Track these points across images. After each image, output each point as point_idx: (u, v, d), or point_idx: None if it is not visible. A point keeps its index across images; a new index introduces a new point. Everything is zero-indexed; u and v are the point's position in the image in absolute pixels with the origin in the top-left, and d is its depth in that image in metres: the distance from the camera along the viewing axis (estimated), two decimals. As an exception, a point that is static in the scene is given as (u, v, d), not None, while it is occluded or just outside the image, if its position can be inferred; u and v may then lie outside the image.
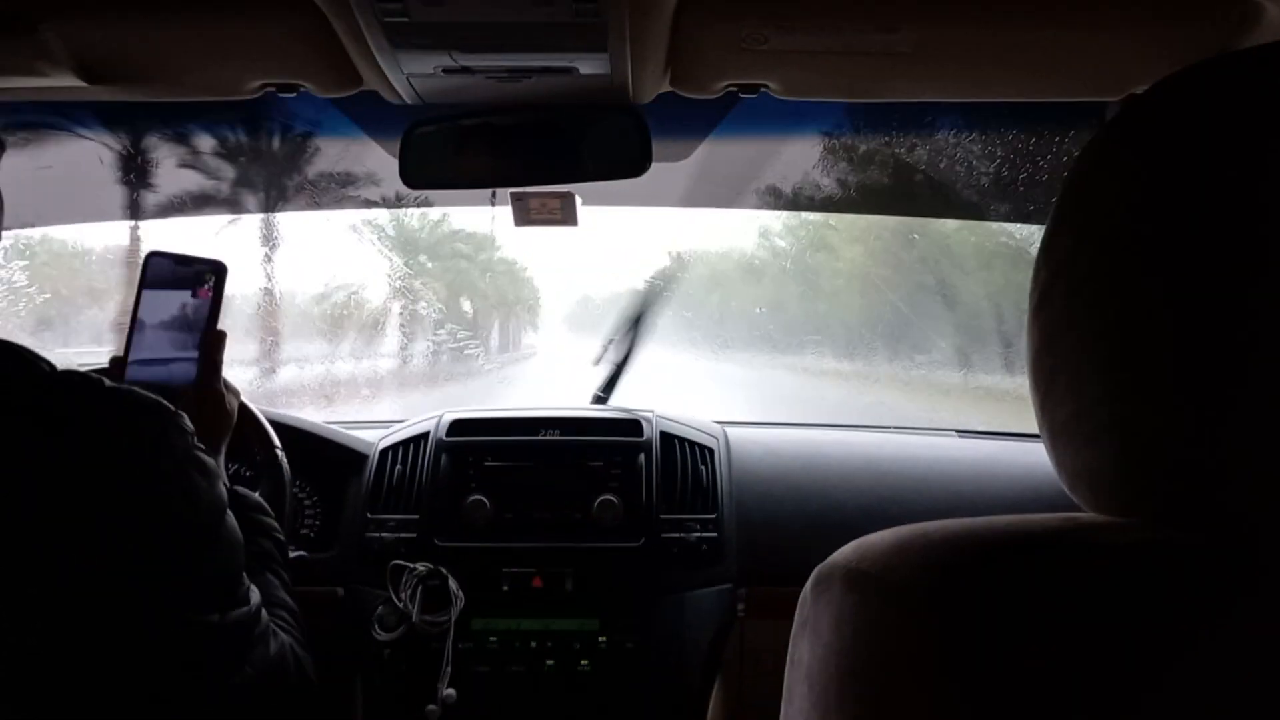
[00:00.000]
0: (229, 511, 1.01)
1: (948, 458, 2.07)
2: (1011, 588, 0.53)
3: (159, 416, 0.93)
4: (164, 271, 1.22)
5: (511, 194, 1.60)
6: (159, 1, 1.13)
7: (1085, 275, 0.57)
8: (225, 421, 1.27)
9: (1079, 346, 0.57)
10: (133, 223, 2.39)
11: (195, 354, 1.21)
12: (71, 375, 0.90)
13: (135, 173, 2.08)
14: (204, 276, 1.23)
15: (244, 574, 1.03)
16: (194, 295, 1.22)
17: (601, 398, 2.17)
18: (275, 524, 1.29)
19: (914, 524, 0.61)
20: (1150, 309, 0.53)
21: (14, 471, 0.83)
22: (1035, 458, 2.00)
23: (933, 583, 0.55)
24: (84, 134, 1.93)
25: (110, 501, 0.87)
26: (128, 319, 1.22)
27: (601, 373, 2.19)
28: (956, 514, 0.63)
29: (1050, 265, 0.60)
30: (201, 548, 0.95)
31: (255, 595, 1.04)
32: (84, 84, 1.25)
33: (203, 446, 0.98)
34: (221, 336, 1.24)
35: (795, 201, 2.29)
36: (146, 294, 1.21)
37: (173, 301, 1.22)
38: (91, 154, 2.00)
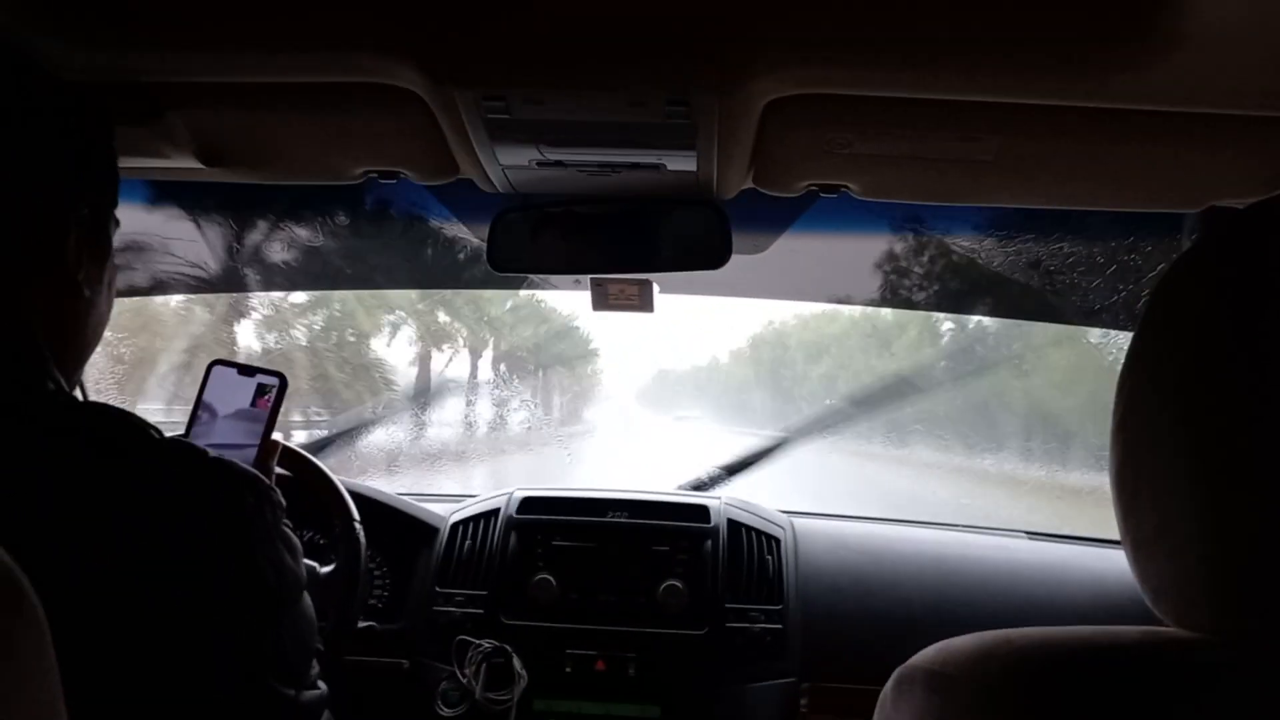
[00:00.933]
0: (306, 592, 1.04)
1: (1017, 559, 2.03)
2: (1098, 700, 0.54)
3: (256, 488, 0.96)
4: (225, 380, 1.25)
5: (591, 279, 1.65)
6: (278, 95, 1.20)
7: (1171, 390, 0.58)
8: None
9: (1164, 461, 0.58)
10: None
11: (250, 462, 1.20)
12: (179, 443, 0.94)
13: (233, 248, 2.18)
14: (264, 388, 1.25)
15: (314, 659, 1.05)
16: (253, 405, 1.24)
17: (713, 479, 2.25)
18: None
19: (997, 630, 0.62)
20: (1237, 426, 0.54)
21: (119, 531, 0.86)
22: (1106, 563, 1.96)
23: (1019, 689, 0.55)
24: (188, 210, 2.04)
25: (205, 564, 0.90)
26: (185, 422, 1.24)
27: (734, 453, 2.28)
28: (1026, 618, 0.63)
29: (1135, 377, 0.61)
30: (283, 620, 0.97)
31: (323, 686, 1.06)
32: (202, 166, 1.33)
33: (290, 523, 1.01)
34: (276, 446, 1.26)
35: (871, 297, 2.31)
36: (206, 401, 1.24)
37: (231, 410, 1.24)
38: (190, 229, 2.11)
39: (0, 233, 0.92)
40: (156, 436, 0.93)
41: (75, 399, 0.95)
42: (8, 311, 0.91)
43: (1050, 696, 0.55)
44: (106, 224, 1.04)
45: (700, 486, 2.29)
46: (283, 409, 1.26)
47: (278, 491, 1.00)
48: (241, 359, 1.29)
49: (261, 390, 1.25)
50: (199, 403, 1.25)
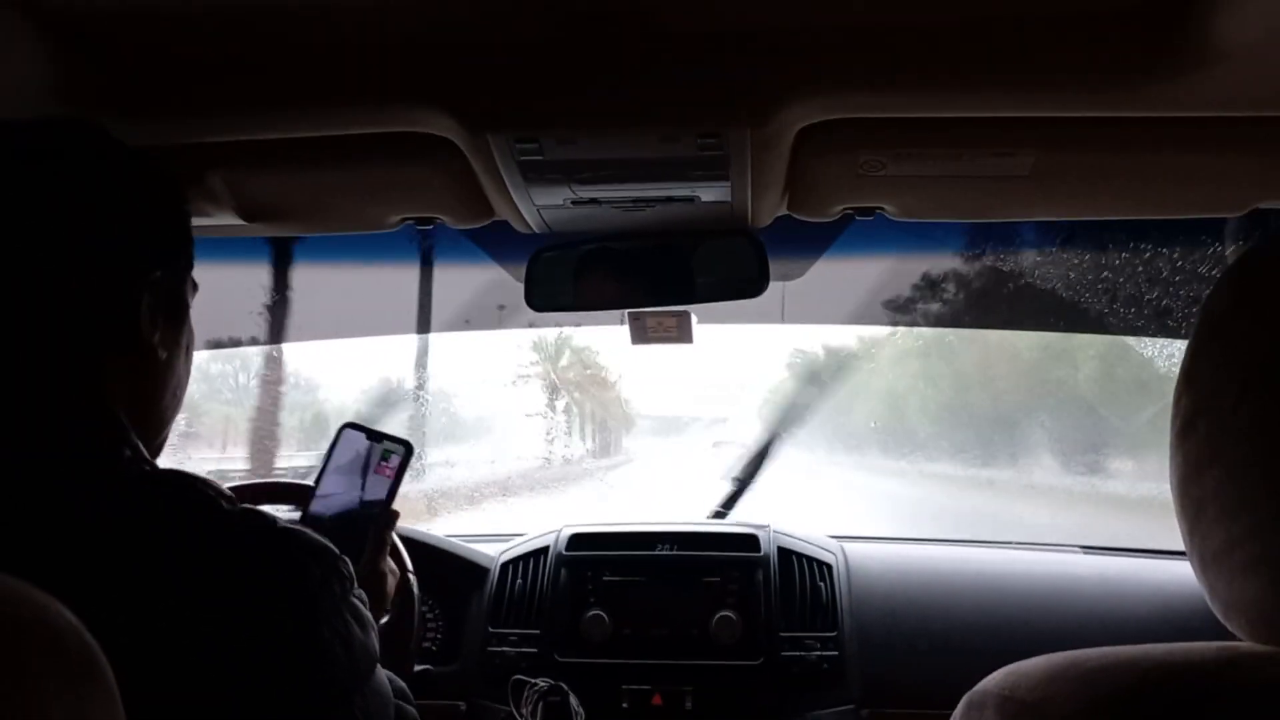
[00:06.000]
0: (380, 666, 1.00)
1: (1073, 574, 2.00)
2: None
3: (324, 559, 0.93)
4: (353, 443, 1.28)
5: (629, 313, 1.65)
6: (315, 149, 1.22)
7: (1230, 406, 0.57)
8: (380, 601, 1.28)
9: (1226, 477, 0.57)
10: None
11: (369, 529, 1.25)
12: (248, 513, 0.92)
13: (278, 298, 2.22)
14: (389, 454, 1.28)
15: None
16: (376, 472, 1.27)
17: (721, 513, 2.20)
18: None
19: (1066, 651, 0.61)
20: None
21: (186, 604, 0.84)
22: (1164, 575, 1.91)
23: (1093, 713, 0.54)
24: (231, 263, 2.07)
25: (271, 640, 0.87)
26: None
27: (725, 488, 2.23)
28: (1089, 636, 0.62)
29: (1192, 393, 0.60)
30: (354, 699, 0.94)
31: None
32: (243, 222, 1.35)
33: (362, 595, 0.98)
34: (395, 516, 1.27)
35: (912, 318, 2.30)
36: (333, 462, 1.27)
37: (355, 474, 1.27)
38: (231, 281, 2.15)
39: (74, 301, 0.91)
40: (226, 507, 0.91)
41: (149, 467, 0.93)
42: (84, 379, 0.91)
43: (1124, 717, 0.53)
44: (182, 287, 1.03)
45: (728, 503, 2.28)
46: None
47: (347, 563, 0.96)
48: None
49: (385, 456, 1.28)
50: (327, 462, 1.28)
